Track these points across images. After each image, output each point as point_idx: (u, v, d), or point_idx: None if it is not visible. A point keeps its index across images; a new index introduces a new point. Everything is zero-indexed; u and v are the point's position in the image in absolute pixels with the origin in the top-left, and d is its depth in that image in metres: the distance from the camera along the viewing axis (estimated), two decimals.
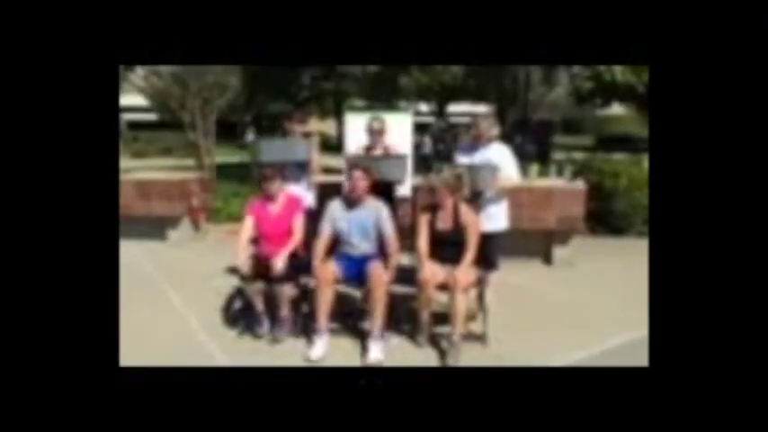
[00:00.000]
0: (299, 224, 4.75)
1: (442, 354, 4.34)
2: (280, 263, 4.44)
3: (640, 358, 3.15)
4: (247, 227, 4.77)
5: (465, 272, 4.34)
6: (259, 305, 4.63)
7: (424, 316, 4.45)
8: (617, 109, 19.27)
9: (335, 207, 4.61)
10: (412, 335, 4.59)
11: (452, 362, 4.21)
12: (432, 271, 4.36)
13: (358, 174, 4.50)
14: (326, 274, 4.37)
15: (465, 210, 4.54)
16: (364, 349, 4.33)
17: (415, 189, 6.41)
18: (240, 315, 4.94)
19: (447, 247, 4.48)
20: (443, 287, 4.34)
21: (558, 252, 7.08)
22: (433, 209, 4.59)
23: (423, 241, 4.54)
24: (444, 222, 4.54)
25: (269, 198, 4.78)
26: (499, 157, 5.03)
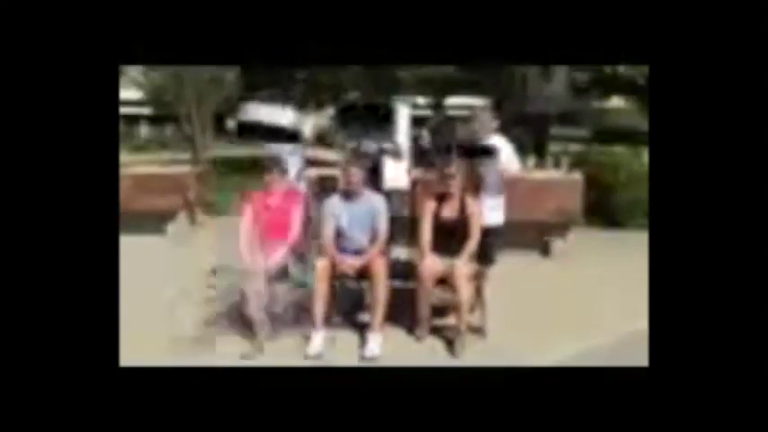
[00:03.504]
0: (297, 218, 4.71)
1: (443, 346, 4.39)
2: (277, 259, 4.44)
3: (639, 351, 3.17)
4: (247, 217, 4.73)
5: (466, 263, 4.35)
6: (255, 306, 4.60)
7: (424, 309, 4.46)
8: (615, 101, 19.22)
9: (334, 203, 4.60)
10: (411, 328, 4.60)
11: (459, 351, 4.26)
12: (433, 262, 4.38)
13: (354, 169, 4.49)
14: (323, 269, 4.37)
15: (470, 200, 4.58)
16: (362, 344, 4.33)
17: (414, 183, 6.38)
18: (237, 312, 4.93)
19: (450, 236, 4.50)
20: (443, 281, 4.35)
21: (556, 244, 7.09)
22: (441, 198, 4.61)
23: (426, 230, 4.56)
24: (451, 211, 4.57)
25: (268, 190, 4.74)
26: (501, 149, 4.98)
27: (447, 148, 4.68)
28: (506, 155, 4.99)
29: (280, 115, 5.10)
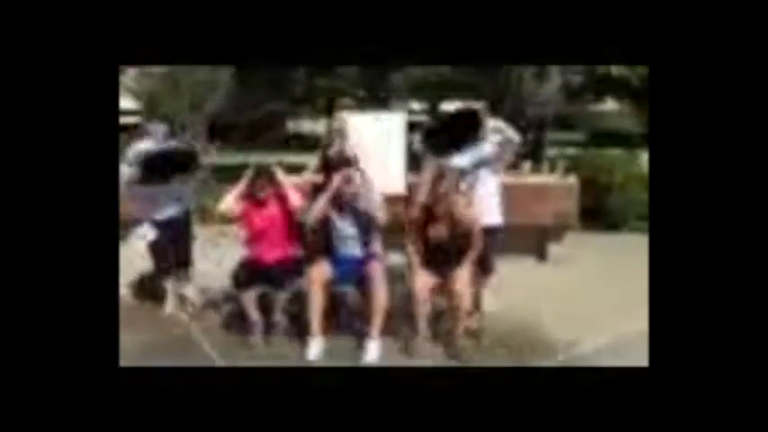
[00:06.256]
0: (296, 198, 4.67)
1: (442, 350, 4.36)
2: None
3: (637, 353, 3.18)
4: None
5: (465, 269, 4.25)
6: (253, 313, 4.58)
7: (421, 323, 4.38)
8: (609, 104, 19.27)
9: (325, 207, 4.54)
10: (410, 336, 4.51)
11: (457, 356, 4.24)
12: (424, 282, 4.30)
13: (346, 178, 4.43)
14: (319, 275, 4.34)
15: (462, 208, 4.33)
16: (360, 351, 4.30)
17: (410, 187, 6.38)
18: (233, 319, 4.92)
19: (442, 253, 4.33)
20: (440, 289, 4.30)
21: (553, 248, 7.09)
22: (427, 215, 4.34)
23: (413, 248, 4.41)
24: (437, 230, 4.31)
25: (258, 200, 4.66)
26: (493, 124, 4.67)
27: (440, 152, 4.56)
28: (500, 125, 4.69)
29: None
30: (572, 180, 7.19)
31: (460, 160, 4.57)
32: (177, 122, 12.54)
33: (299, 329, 4.58)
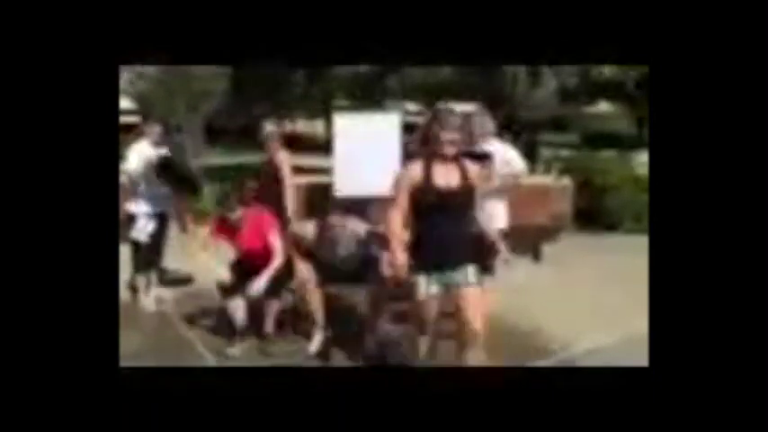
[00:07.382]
0: (277, 244, 4.47)
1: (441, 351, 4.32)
2: (261, 284, 4.32)
3: (633, 354, 3.19)
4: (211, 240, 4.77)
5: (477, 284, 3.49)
6: (240, 320, 4.50)
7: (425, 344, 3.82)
8: (603, 106, 19.39)
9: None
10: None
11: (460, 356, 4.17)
12: (431, 308, 3.50)
13: (335, 219, 4.38)
14: (310, 276, 4.32)
15: (471, 165, 3.41)
16: (361, 346, 4.30)
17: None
18: (225, 323, 4.90)
19: (448, 219, 3.27)
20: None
21: (547, 249, 7.11)
22: (430, 161, 3.27)
23: (396, 220, 3.30)
24: (448, 178, 3.23)
25: (231, 223, 4.51)
26: (501, 152, 4.62)
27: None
28: (510, 156, 4.67)
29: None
30: (566, 182, 7.22)
31: None
32: (172, 123, 12.54)
33: (294, 332, 4.60)
